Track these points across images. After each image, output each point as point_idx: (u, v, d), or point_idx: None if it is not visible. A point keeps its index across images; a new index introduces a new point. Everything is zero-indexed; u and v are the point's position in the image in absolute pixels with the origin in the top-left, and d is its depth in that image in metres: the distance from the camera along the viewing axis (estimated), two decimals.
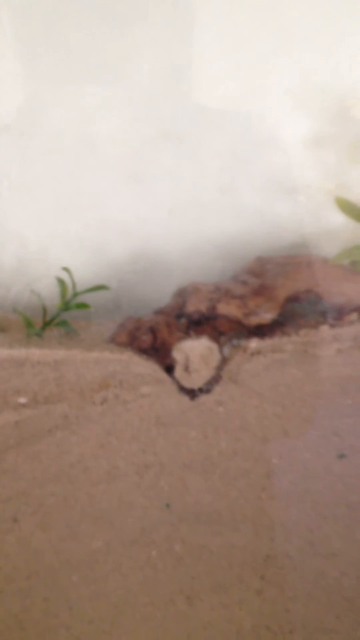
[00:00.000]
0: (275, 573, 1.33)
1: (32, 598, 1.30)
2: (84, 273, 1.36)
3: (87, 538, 1.28)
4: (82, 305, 1.28)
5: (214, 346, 1.21)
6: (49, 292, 1.32)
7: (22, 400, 1.19)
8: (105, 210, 1.36)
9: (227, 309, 1.21)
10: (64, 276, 1.28)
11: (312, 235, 1.39)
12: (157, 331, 1.23)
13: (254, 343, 1.22)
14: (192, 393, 1.22)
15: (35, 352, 1.19)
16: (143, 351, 1.23)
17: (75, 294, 1.28)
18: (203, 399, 1.23)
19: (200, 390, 1.22)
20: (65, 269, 1.28)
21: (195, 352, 1.21)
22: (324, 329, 1.23)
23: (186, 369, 1.20)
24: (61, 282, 1.28)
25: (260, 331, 1.23)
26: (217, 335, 1.22)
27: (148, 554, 1.30)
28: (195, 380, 1.21)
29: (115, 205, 1.36)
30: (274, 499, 1.30)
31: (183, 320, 1.23)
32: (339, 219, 1.37)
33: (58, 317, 1.27)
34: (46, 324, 1.27)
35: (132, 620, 1.32)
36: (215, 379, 1.22)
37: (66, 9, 1.27)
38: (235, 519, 1.30)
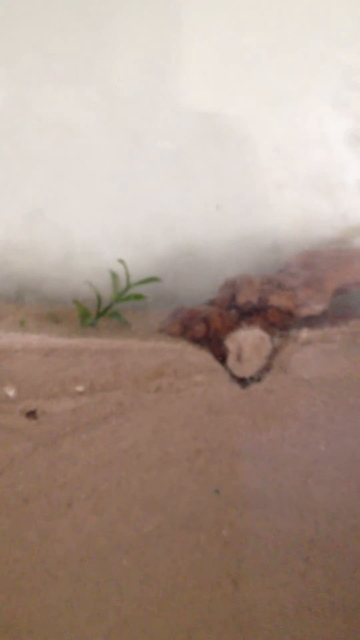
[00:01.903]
0: (319, 556, 1.35)
1: (83, 582, 1.30)
2: (129, 267, 1.38)
3: (139, 522, 1.26)
4: (138, 297, 1.24)
5: (265, 336, 1.17)
6: (97, 285, 1.34)
7: (80, 388, 1.20)
8: (151, 205, 1.39)
9: (279, 300, 1.22)
10: (117, 268, 1.30)
11: (353, 231, 1.42)
12: (211, 321, 1.20)
13: (304, 333, 1.19)
14: (243, 382, 1.20)
15: (93, 342, 1.19)
16: (196, 341, 1.19)
17: (129, 286, 1.26)
18: (254, 387, 1.21)
19: (252, 378, 1.20)
20: (121, 261, 1.23)
21: (247, 341, 1.17)
22: None
23: (238, 358, 1.18)
24: (114, 274, 1.29)
25: (310, 322, 1.22)
26: (267, 326, 1.25)
27: (197, 538, 1.30)
28: (247, 369, 1.19)
29: (160, 201, 1.39)
30: (319, 484, 1.27)
31: (233, 312, 1.26)
32: None
33: (110, 308, 1.31)
34: (100, 315, 1.24)
35: (180, 603, 1.34)
36: (266, 368, 1.20)
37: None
38: (282, 503, 1.28)
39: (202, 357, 1.20)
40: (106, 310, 1.25)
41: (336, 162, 1.37)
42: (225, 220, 1.37)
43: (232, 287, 1.26)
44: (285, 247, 1.38)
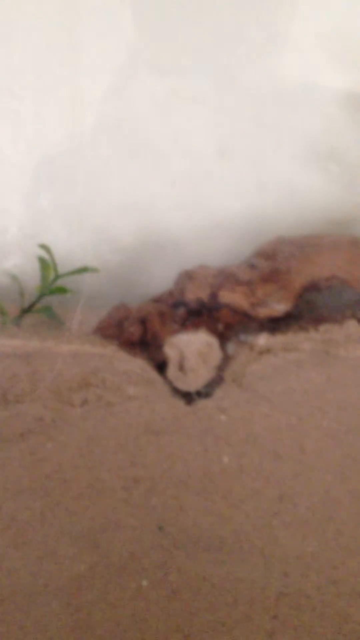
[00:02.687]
0: (289, 613, 1.11)
1: (6, 624, 1.12)
2: (82, 253, 1.18)
3: (68, 560, 1.08)
4: (59, 290, 1.03)
5: (213, 341, 0.97)
6: (36, 275, 1.14)
7: None
8: (105, 182, 1.18)
9: (231, 297, 0.98)
10: (45, 256, 1.09)
11: (349, 212, 1.16)
12: (148, 322, 0.99)
13: (262, 339, 0.97)
14: (188, 397, 1.00)
15: (3, 344, 1.02)
16: (131, 345, 1.00)
17: (57, 277, 1.05)
18: (201, 404, 1.01)
19: (198, 393, 1.00)
20: (44, 247, 1.03)
21: (191, 348, 0.97)
22: (351, 325, 0.99)
23: (181, 367, 0.98)
24: (43, 262, 1.04)
25: (272, 325, 0.99)
26: (219, 329, 1.01)
27: (138, 582, 1.10)
28: (191, 382, 0.99)
29: (116, 175, 1.18)
30: (288, 526, 1.05)
31: (181, 310, 1.04)
32: None
33: (39, 302, 1.07)
34: (25, 311, 1.05)
35: None
36: (216, 381, 1.00)
37: None
38: (242, 548, 1.07)
39: (135, 365, 0.99)
40: (31, 306, 1.05)
41: (331, 129, 1.11)
42: (195, 199, 1.14)
43: (182, 281, 1.03)
44: (263, 232, 1.13)
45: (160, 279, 1.13)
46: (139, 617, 1.09)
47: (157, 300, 1.05)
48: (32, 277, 1.12)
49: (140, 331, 1.00)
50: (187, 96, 1.11)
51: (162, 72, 1.11)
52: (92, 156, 1.17)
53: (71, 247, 1.17)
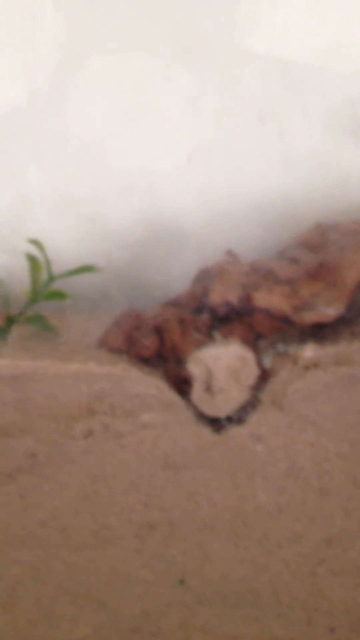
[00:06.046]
0: None
1: None
2: (73, 247, 1.02)
3: (68, 623, 0.93)
4: (57, 295, 0.86)
5: (249, 355, 0.82)
6: (22, 277, 0.97)
7: None
8: (100, 158, 1.02)
9: (269, 300, 0.81)
10: (36, 252, 0.91)
11: None
12: (166, 332, 0.82)
13: (309, 351, 0.82)
14: (216, 423, 0.86)
15: None
16: (145, 361, 0.83)
17: (51, 279, 0.87)
18: (233, 432, 0.87)
19: (229, 419, 0.86)
20: (34, 242, 0.85)
21: (221, 363, 0.82)
22: None
23: (208, 388, 0.84)
24: (33, 261, 0.89)
25: (320, 333, 0.85)
26: (254, 339, 0.85)
27: None
28: (221, 405, 0.84)
29: (113, 150, 1.02)
30: (336, 575, 0.91)
31: (205, 317, 0.86)
32: None
33: (28, 310, 0.91)
34: (11, 321, 0.87)
35: None
36: (252, 404, 0.85)
37: None
38: (281, 601, 0.92)
39: (151, 386, 0.83)
40: (20, 314, 0.87)
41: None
42: (208, 180, 0.99)
43: (204, 281, 0.87)
44: (293, 217, 0.99)
45: (177, 278, 0.97)
46: None
47: (173, 304, 0.88)
48: (18, 279, 0.95)
49: (156, 344, 0.83)
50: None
51: None
52: (79, 127, 1.02)
53: (62, 241, 1.00)
